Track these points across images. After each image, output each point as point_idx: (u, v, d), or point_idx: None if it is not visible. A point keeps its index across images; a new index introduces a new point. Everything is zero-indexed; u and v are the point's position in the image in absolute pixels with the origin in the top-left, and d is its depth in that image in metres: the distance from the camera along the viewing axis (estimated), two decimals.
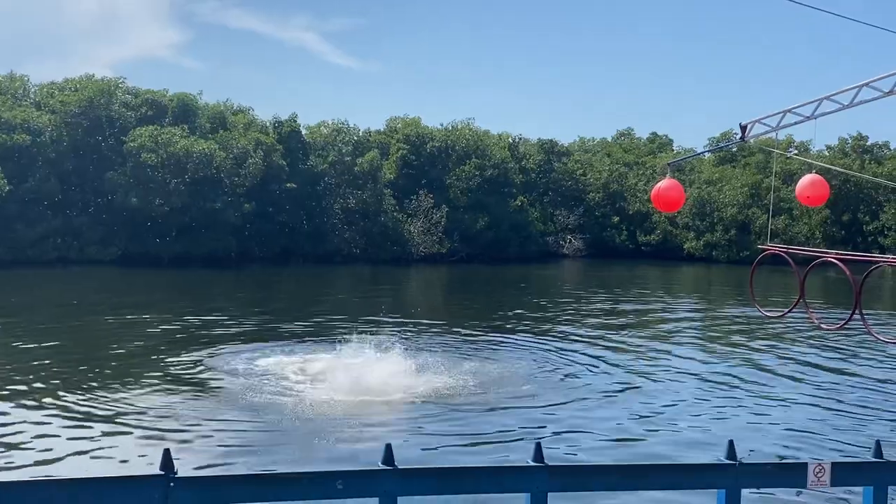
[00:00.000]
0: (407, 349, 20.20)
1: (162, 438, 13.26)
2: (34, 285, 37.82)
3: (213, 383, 17.56)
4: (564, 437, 14.21)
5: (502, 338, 24.67)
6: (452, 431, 14.20)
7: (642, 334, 26.78)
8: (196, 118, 55.72)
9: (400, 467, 4.88)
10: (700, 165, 75.66)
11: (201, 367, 19.06)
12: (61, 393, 16.14)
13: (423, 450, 13.05)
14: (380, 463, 4.89)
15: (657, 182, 11.64)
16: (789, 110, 11.66)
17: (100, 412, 14.88)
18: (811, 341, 25.33)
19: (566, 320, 29.53)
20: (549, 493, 5.12)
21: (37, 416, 14.60)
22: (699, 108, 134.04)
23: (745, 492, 5.50)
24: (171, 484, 4.50)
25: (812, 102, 11.48)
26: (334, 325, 25.80)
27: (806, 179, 11.69)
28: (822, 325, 18.67)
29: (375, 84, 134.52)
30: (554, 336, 25.20)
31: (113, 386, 17.01)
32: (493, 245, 63.09)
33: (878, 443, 5.61)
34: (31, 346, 21.43)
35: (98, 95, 51.49)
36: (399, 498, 4.89)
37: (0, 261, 44.18)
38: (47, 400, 15.62)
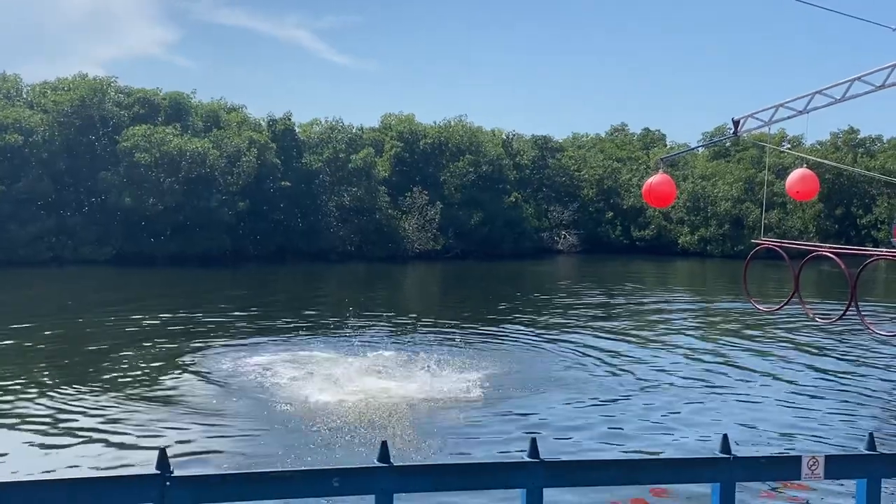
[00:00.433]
0: (401, 346, 20.23)
1: (157, 437, 13.27)
2: (27, 285, 37.72)
3: (208, 381, 17.56)
4: (560, 432, 14.25)
5: (497, 334, 24.69)
6: (448, 428, 14.22)
7: (637, 330, 26.84)
8: (189, 117, 55.58)
9: (396, 464, 4.88)
10: (694, 160, 75.84)
11: (196, 366, 19.06)
12: (54, 393, 16.13)
13: (418, 447, 13.08)
14: (376, 460, 4.89)
15: (650, 177, 11.69)
16: (782, 105, 11.72)
17: (94, 411, 14.87)
18: (806, 335, 25.42)
19: (561, 316, 29.59)
20: (545, 489, 5.13)
21: (32, 415, 14.60)
22: (692, 103, 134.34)
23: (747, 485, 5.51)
24: (168, 483, 4.50)
25: (804, 97, 11.54)
26: (329, 323, 25.83)
27: (796, 174, 11.75)
28: (818, 319, 18.77)
29: (370, 82, 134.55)
30: (549, 332, 25.25)
31: (107, 385, 17.03)
32: (488, 241, 63.11)
33: (871, 435, 5.64)
34: (28, 345, 21.43)
35: (91, 95, 51.28)
36: (395, 495, 4.90)
37: None
38: (42, 400, 15.61)
